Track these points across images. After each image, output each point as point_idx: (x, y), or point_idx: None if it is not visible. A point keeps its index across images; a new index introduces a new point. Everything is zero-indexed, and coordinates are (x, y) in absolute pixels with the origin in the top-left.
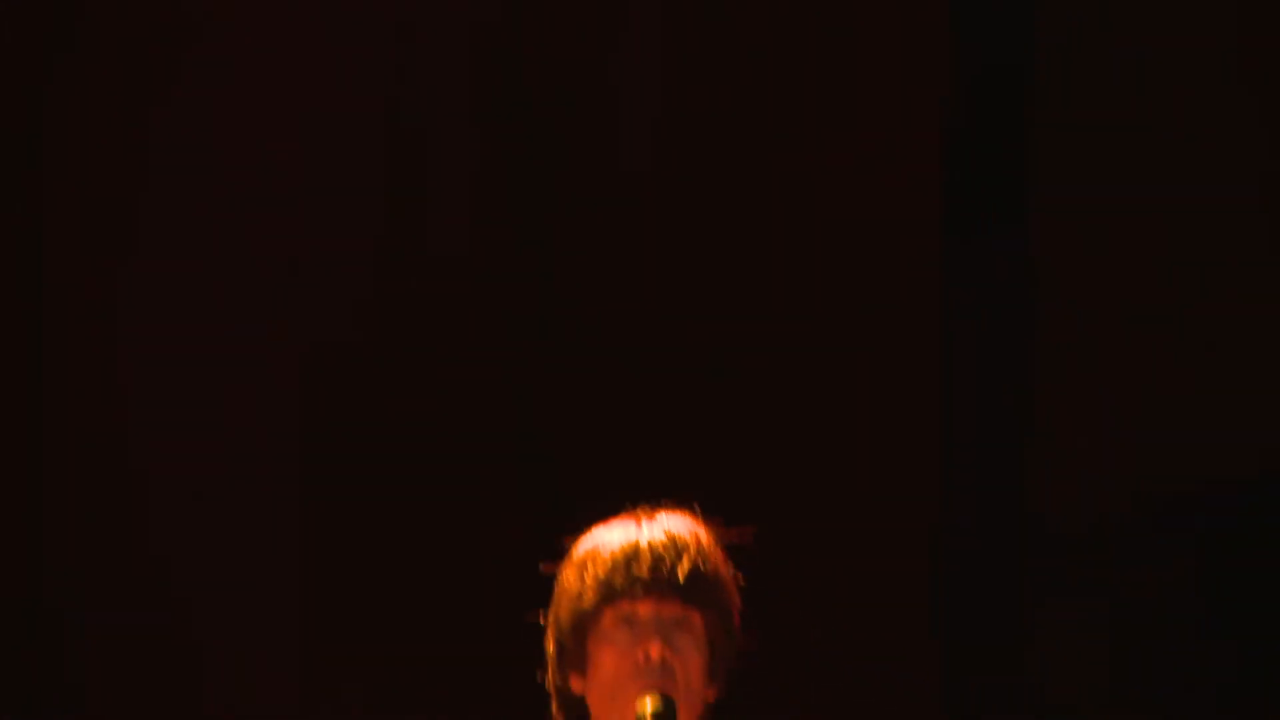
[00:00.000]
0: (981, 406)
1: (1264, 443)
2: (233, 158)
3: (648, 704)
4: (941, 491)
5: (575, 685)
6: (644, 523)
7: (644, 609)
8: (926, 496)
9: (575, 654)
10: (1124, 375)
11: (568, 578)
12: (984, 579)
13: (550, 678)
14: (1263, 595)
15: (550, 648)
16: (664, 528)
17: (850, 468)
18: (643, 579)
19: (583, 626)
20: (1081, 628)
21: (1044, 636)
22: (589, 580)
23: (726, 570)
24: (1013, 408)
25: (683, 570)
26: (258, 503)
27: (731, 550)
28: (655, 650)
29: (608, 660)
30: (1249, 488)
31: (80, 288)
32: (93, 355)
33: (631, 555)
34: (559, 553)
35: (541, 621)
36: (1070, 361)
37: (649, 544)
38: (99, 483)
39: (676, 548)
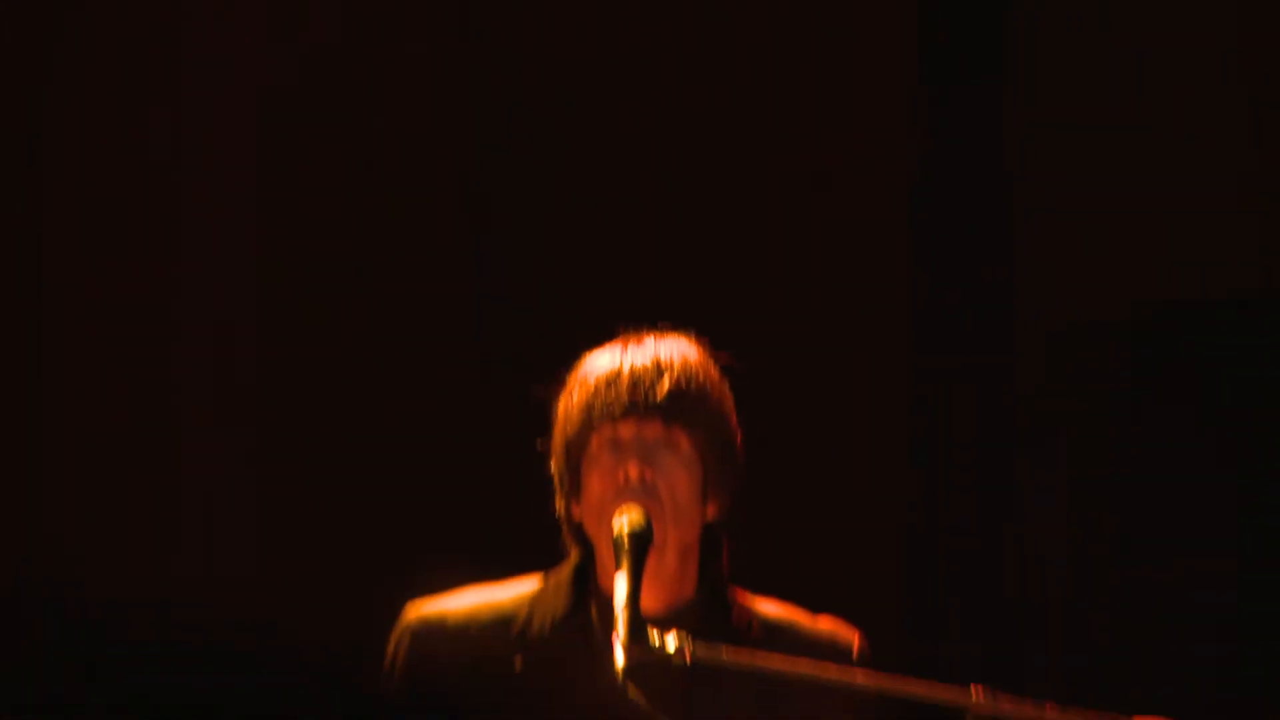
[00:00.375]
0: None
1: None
2: (226, 156)
3: (624, 520)
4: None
5: (575, 512)
6: (630, 346)
7: (625, 430)
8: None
9: (570, 480)
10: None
11: (559, 405)
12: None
13: (557, 507)
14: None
15: (553, 476)
16: (649, 350)
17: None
18: (622, 400)
19: (573, 452)
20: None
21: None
22: (575, 406)
23: (718, 389)
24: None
25: (662, 390)
26: (255, 504)
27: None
28: (634, 470)
29: (594, 483)
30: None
31: (80, 288)
32: (93, 355)
33: (613, 378)
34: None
35: (541, 449)
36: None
37: (631, 366)
38: (98, 481)
39: (659, 368)
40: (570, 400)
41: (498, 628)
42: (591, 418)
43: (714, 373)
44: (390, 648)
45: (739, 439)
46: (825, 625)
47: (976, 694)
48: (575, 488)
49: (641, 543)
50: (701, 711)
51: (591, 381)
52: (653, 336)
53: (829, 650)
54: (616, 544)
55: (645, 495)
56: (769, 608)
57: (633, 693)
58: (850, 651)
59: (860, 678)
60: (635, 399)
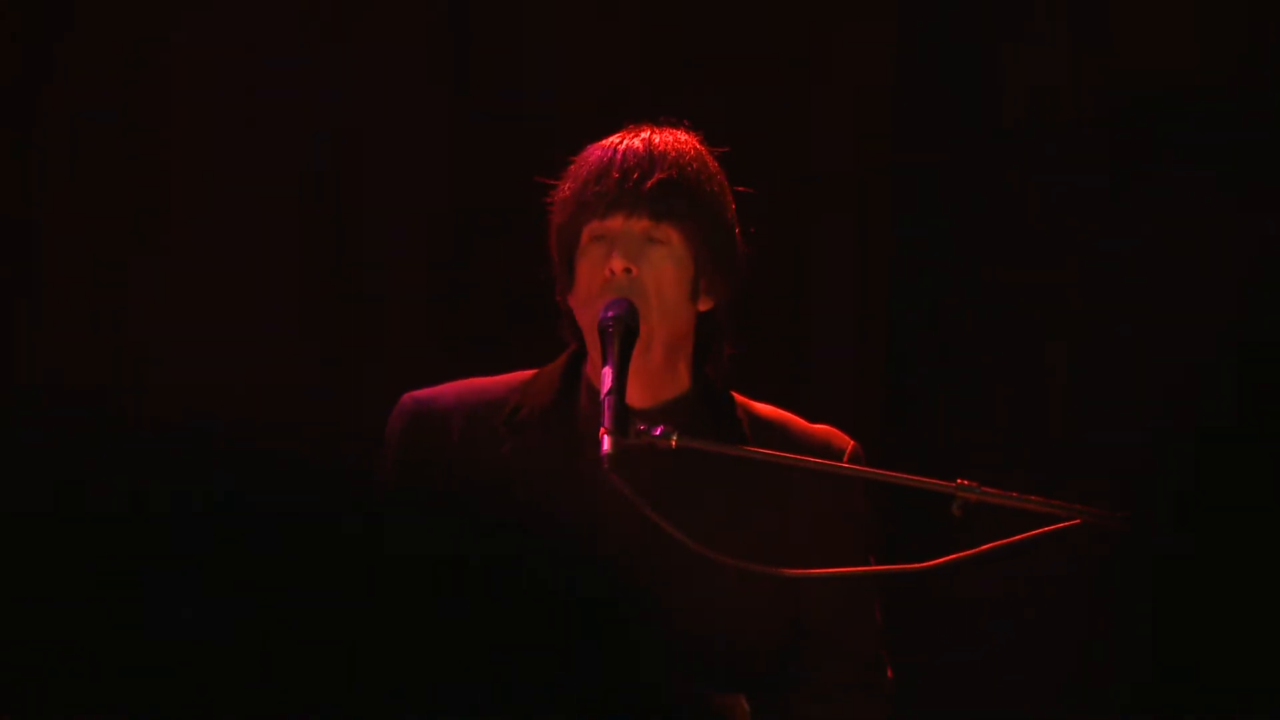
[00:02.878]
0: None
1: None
2: (222, 154)
3: (608, 312)
4: None
5: (571, 301)
6: (626, 138)
7: (613, 224)
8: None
9: (564, 270)
10: None
11: (556, 195)
12: None
13: (557, 295)
14: None
15: (552, 266)
16: (643, 141)
17: None
18: (610, 193)
19: (566, 243)
20: None
21: None
22: (568, 196)
23: (714, 180)
24: None
25: (650, 183)
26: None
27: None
28: (618, 265)
29: (583, 275)
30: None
31: (80, 288)
32: (93, 354)
33: (604, 171)
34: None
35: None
36: None
37: (623, 158)
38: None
39: (651, 160)
40: (564, 191)
41: (488, 413)
42: (581, 209)
43: (710, 163)
44: (388, 431)
45: (738, 230)
46: (820, 428)
47: (961, 484)
48: (568, 278)
49: (627, 334)
50: (682, 503)
51: (584, 173)
52: (650, 128)
53: (822, 450)
54: (601, 335)
55: (630, 290)
56: (764, 408)
57: (616, 480)
58: (843, 455)
59: (846, 469)
60: (624, 191)
